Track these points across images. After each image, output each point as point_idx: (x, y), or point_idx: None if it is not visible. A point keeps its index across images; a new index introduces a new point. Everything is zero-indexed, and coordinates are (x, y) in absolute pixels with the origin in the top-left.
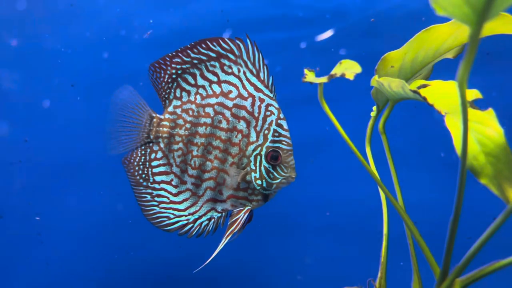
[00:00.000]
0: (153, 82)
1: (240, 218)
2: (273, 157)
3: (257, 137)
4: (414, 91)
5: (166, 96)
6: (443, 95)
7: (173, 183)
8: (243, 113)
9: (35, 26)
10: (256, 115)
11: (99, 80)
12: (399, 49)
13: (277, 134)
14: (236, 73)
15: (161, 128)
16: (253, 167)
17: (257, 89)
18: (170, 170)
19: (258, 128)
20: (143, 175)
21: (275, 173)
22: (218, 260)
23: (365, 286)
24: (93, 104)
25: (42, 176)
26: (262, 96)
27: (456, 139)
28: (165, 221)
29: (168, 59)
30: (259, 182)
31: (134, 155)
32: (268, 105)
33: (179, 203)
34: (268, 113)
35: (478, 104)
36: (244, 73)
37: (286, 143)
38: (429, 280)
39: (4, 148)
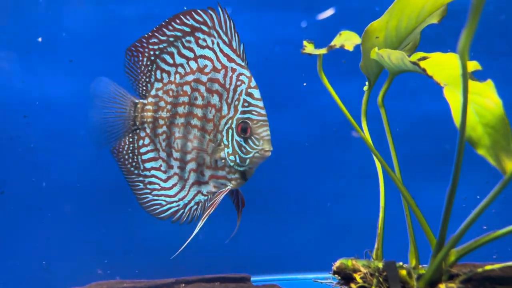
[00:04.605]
0: (131, 68)
1: (217, 201)
2: (243, 129)
3: (228, 109)
4: (414, 63)
5: (148, 80)
6: (442, 66)
7: (162, 168)
8: (216, 86)
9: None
10: (228, 86)
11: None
12: (380, 18)
13: (246, 104)
14: (211, 45)
15: (145, 113)
16: (226, 142)
17: (230, 59)
18: (158, 156)
19: (229, 100)
20: (134, 163)
21: (247, 147)
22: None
23: (362, 257)
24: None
25: (42, 151)
26: (234, 66)
27: (455, 110)
28: (158, 208)
29: (144, 40)
30: (232, 158)
31: (123, 144)
32: (240, 74)
33: (169, 188)
34: (238, 82)
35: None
36: (218, 44)
37: (256, 113)
38: (425, 250)
39: (4, 122)
